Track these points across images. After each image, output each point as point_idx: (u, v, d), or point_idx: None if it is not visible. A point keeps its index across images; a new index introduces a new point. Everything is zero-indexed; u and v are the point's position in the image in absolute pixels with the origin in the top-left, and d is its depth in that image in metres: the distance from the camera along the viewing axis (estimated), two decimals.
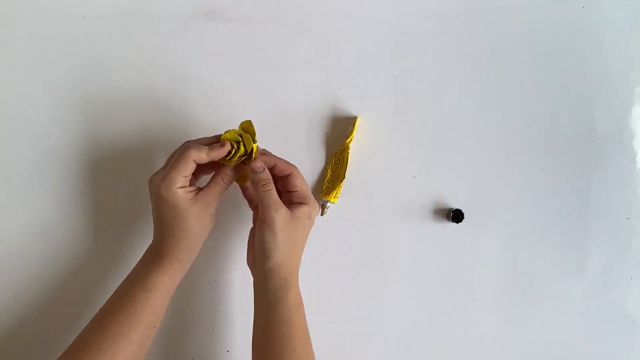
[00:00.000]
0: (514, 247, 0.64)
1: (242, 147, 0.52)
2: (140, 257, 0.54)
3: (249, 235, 0.58)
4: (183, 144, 0.53)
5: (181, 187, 0.50)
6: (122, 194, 0.63)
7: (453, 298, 0.63)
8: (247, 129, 0.54)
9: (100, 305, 0.52)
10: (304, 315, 0.53)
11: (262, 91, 0.65)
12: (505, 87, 0.65)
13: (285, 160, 0.55)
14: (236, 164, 0.53)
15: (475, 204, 0.64)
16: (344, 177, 0.62)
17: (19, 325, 0.61)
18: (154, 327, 0.50)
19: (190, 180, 0.52)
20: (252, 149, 0.53)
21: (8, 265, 0.62)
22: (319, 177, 0.64)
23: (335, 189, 0.62)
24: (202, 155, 0.51)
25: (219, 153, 0.52)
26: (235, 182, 0.55)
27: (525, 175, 0.64)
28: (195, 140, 0.54)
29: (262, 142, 0.64)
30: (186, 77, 0.64)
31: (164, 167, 0.53)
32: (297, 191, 0.54)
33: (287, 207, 0.52)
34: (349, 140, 0.62)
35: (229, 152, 0.52)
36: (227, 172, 0.53)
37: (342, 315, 0.63)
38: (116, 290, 0.52)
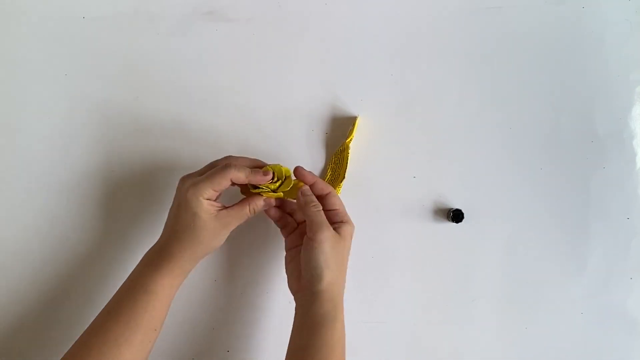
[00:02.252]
0: (514, 247, 0.64)
1: (278, 183, 0.54)
2: (140, 257, 0.53)
3: (286, 262, 0.57)
4: (225, 158, 0.54)
5: (208, 199, 0.51)
6: (122, 193, 0.63)
7: (453, 298, 0.63)
8: (286, 172, 0.55)
9: (101, 307, 0.51)
10: (345, 342, 0.52)
11: (262, 91, 0.65)
12: (505, 87, 0.65)
13: (322, 181, 0.56)
14: (267, 195, 0.54)
15: (475, 204, 0.64)
16: (344, 177, 0.62)
17: (19, 327, 0.61)
18: (155, 330, 0.50)
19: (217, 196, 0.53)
20: (285, 183, 0.54)
21: (9, 266, 0.62)
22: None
23: (334, 188, 0.62)
24: (241, 177, 0.51)
25: (258, 179, 0.52)
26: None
27: (525, 175, 0.64)
28: (237, 157, 0.54)
29: (263, 141, 0.64)
30: (186, 77, 0.64)
31: (199, 173, 0.54)
32: (337, 209, 0.55)
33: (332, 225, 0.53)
34: (348, 140, 0.62)
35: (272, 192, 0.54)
36: (257, 203, 0.54)
37: None
38: (117, 293, 0.52)
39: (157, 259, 0.52)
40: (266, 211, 0.58)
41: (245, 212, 0.53)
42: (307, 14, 0.66)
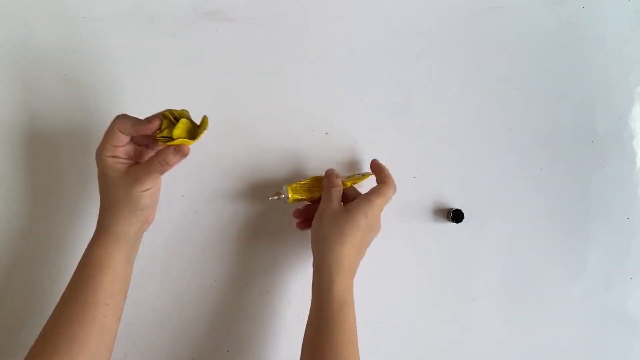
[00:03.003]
0: (514, 247, 0.64)
1: (176, 129, 0.50)
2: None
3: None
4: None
5: (111, 157, 0.50)
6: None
7: (453, 298, 0.63)
8: (184, 114, 0.52)
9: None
10: (353, 315, 0.53)
11: (262, 91, 0.65)
12: (505, 87, 0.65)
13: (388, 180, 0.58)
14: (170, 143, 0.50)
15: (475, 204, 0.64)
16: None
17: (21, 323, 0.61)
18: (107, 304, 0.49)
19: (131, 154, 0.52)
20: (179, 126, 0.50)
21: (9, 264, 0.61)
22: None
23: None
24: (127, 126, 0.50)
25: (143, 128, 0.50)
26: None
27: (525, 175, 0.64)
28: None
29: (262, 141, 0.64)
30: (186, 77, 0.64)
31: None
32: (359, 195, 0.58)
33: (346, 205, 0.56)
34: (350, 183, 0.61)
35: (168, 128, 0.50)
36: (165, 152, 0.50)
37: None
38: (71, 276, 0.52)
39: (95, 231, 0.52)
40: (298, 225, 0.60)
41: (154, 165, 0.50)
42: (307, 14, 0.66)
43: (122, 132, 0.50)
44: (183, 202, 0.62)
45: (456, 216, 0.62)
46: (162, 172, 0.51)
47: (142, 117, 0.51)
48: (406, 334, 0.63)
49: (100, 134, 0.64)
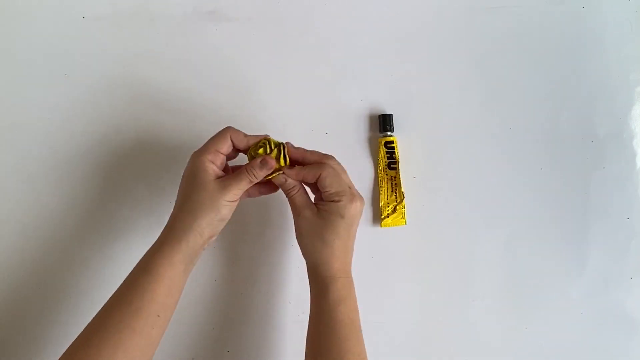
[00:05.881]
0: (514, 247, 0.64)
1: (274, 152, 0.53)
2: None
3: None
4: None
5: (211, 161, 0.51)
6: (124, 192, 0.63)
7: (453, 298, 0.63)
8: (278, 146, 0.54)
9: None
10: (353, 309, 0.53)
11: (262, 91, 0.65)
12: (505, 87, 0.65)
13: (316, 160, 0.54)
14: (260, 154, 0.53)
15: (475, 203, 0.64)
16: (403, 197, 0.63)
17: (19, 326, 0.61)
18: (158, 316, 0.48)
19: (223, 166, 0.53)
20: (280, 153, 0.53)
21: (8, 264, 0.61)
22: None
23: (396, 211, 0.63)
24: (239, 136, 0.52)
25: (256, 138, 0.53)
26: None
27: (525, 175, 0.64)
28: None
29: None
30: (186, 77, 0.64)
31: None
32: (327, 191, 0.52)
33: (317, 205, 0.53)
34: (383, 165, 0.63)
35: (263, 148, 0.53)
36: (253, 165, 0.52)
37: None
38: (124, 280, 0.50)
39: (161, 237, 0.51)
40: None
41: (244, 175, 0.51)
42: (307, 14, 0.66)
43: (233, 140, 0.52)
44: None
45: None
46: (250, 183, 0.52)
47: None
48: (406, 334, 0.63)
49: (100, 134, 0.64)
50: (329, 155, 0.54)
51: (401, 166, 0.64)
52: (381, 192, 0.63)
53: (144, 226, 0.62)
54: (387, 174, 0.63)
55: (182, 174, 0.53)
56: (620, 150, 0.65)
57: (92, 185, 0.63)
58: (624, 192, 0.64)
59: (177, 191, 0.53)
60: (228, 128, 0.53)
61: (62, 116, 0.63)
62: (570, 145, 0.65)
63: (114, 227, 0.63)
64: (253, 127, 0.64)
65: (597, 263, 0.64)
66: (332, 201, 0.52)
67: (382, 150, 0.63)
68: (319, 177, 0.52)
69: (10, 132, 0.63)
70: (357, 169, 0.64)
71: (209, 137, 0.53)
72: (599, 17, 0.66)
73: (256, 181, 0.52)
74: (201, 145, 0.53)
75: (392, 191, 0.63)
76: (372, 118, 0.65)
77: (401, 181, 0.63)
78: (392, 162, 0.63)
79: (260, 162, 0.51)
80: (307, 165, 0.53)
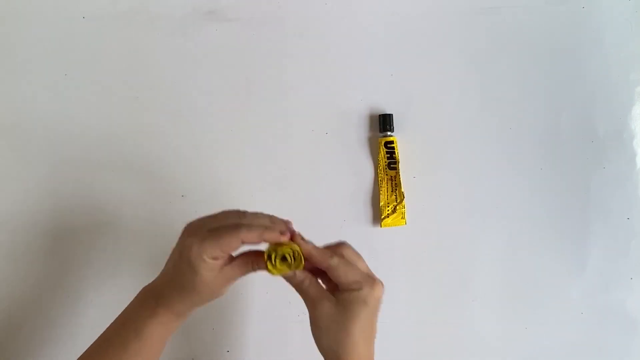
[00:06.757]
0: (514, 247, 0.64)
1: (294, 262, 0.46)
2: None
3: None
4: (238, 213, 0.47)
5: (214, 258, 0.45)
6: (125, 189, 0.63)
7: (453, 298, 0.63)
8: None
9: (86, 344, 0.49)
10: None
11: (262, 91, 0.65)
12: (505, 87, 0.65)
13: (324, 250, 0.47)
14: (274, 274, 0.46)
15: (475, 203, 0.64)
16: (402, 198, 0.63)
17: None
18: None
19: None
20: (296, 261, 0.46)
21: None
22: (319, 179, 0.64)
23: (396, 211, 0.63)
24: (254, 237, 0.44)
25: (274, 236, 0.45)
26: None
27: (525, 175, 0.64)
28: (250, 213, 0.47)
29: (262, 141, 0.64)
30: (186, 77, 0.64)
31: (207, 223, 0.46)
32: (341, 282, 0.47)
33: (335, 295, 0.47)
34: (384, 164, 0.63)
35: (282, 260, 0.46)
36: (260, 264, 0.47)
37: None
38: (107, 330, 0.49)
39: (153, 303, 0.48)
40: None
41: (248, 269, 0.47)
42: (307, 14, 0.66)
43: (244, 242, 0.44)
44: (183, 202, 0.62)
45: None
46: (249, 273, 0.47)
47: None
48: (406, 334, 0.62)
49: (101, 134, 0.64)
50: (342, 241, 0.49)
51: (401, 166, 0.64)
52: (381, 192, 0.63)
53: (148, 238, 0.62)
54: (387, 174, 0.63)
55: (176, 245, 0.48)
56: (620, 150, 0.65)
57: (92, 182, 0.63)
58: (624, 192, 0.64)
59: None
60: (239, 229, 0.44)
61: (62, 116, 0.63)
62: (570, 145, 0.65)
63: (115, 225, 0.63)
64: (253, 127, 0.64)
65: (597, 263, 0.64)
66: (352, 290, 0.46)
67: (382, 150, 0.63)
68: (327, 268, 0.47)
69: (11, 132, 0.63)
70: (357, 169, 0.64)
71: (220, 211, 0.47)
72: (599, 17, 0.66)
73: (256, 271, 0.48)
74: (203, 224, 0.46)
75: (392, 191, 0.63)
76: (372, 118, 0.65)
77: (401, 181, 0.63)
78: (392, 162, 0.63)
79: (269, 271, 0.46)
80: (322, 249, 0.48)
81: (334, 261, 0.46)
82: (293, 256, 0.46)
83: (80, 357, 0.48)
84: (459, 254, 0.63)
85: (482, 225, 0.64)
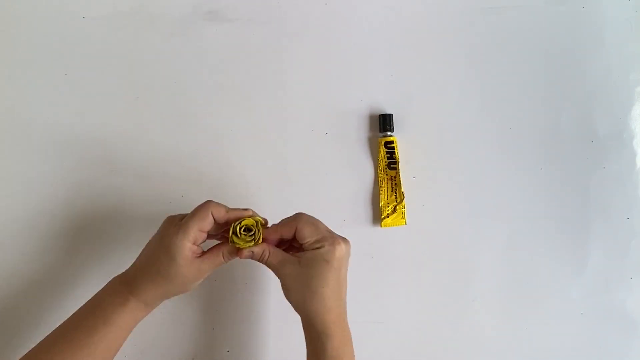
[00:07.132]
0: (514, 247, 0.64)
1: (257, 234, 0.50)
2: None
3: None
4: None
5: (192, 243, 0.48)
6: (124, 188, 0.63)
7: (453, 298, 0.63)
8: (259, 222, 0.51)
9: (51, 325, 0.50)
10: (349, 349, 0.51)
11: (262, 91, 0.65)
12: (505, 87, 0.65)
13: (287, 222, 0.51)
14: (241, 246, 0.50)
15: (475, 203, 0.64)
16: (402, 198, 0.63)
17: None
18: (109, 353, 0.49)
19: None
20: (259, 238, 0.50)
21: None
22: (319, 179, 0.64)
23: (396, 211, 0.63)
24: (222, 212, 0.49)
25: (237, 214, 0.50)
26: None
27: (525, 175, 0.64)
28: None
29: (262, 141, 0.64)
30: (186, 77, 0.64)
31: (182, 217, 0.50)
32: (307, 241, 0.50)
33: (299, 257, 0.50)
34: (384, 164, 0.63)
35: (244, 231, 0.50)
36: (228, 250, 0.50)
37: None
38: (73, 318, 0.49)
39: (125, 291, 0.49)
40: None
41: (219, 258, 0.50)
42: (307, 14, 0.66)
43: (214, 217, 0.49)
44: (183, 202, 0.62)
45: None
46: (220, 264, 0.50)
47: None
48: (406, 334, 0.63)
49: (101, 134, 0.64)
50: (299, 212, 0.52)
51: (401, 166, 0.64)
52: (381, 192, 0.63)
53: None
54: (387, 174, 0.63)
55: (155, 234, 0.51)
56: (620, 150, 0.65)
57: (92, 182, 0.63)
58: (624, 192, 0.64)
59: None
60: (209, 203, 0.49)
61: (62, 116, 0.63)
62: (570, 145, 0.65)
63: (114, 225, 0.63)
64: (253, 127, 0.64)
65: (597, 263, 0.64)
66: (314, 249, 0.49)
67: (382, 150, 0.63)
68: (296, 229, 0.50)
69: (11, 132, 0.63)
70: (357, 169, 0.64)
71: (191, 210, 0.50)
72: (599, 17, 0.66)
73: (227, 261, 0.51)
74: (181, 216, 0.50)
75: (392, 191, 0.63)
76: (372, 118, 0.65)
77: (401, 181, 0.63)
78: (392, 162, 0.63)
79: (238, 253, 0.50)
80: (282, 222, 0.51)
81: (300, 223, 0.50)
82: (257, 226, 0.50)
83: (44, 339, 0.49)
84: (459, 254, 0.63)
85: (482, 225, 0.64)
